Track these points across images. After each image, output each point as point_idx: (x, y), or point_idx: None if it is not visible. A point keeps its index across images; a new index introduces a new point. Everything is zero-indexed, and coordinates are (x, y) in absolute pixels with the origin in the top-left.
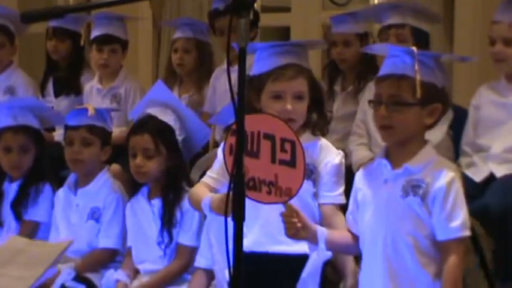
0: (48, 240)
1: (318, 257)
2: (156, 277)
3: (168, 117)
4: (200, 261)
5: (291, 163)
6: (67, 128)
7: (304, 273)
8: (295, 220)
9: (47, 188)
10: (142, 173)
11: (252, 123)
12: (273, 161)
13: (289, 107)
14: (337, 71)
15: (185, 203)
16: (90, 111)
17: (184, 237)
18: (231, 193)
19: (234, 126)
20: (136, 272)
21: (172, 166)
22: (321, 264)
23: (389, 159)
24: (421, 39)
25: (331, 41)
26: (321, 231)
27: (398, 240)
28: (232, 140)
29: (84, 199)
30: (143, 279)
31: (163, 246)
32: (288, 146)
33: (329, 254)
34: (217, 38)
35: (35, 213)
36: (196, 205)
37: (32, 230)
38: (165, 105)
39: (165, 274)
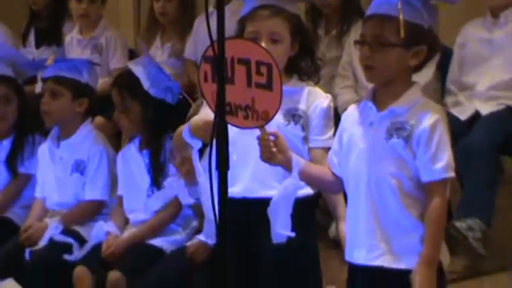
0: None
1: (289, 184)
2: (145, 228)
3: (139, 69)
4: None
5: (267, 86)
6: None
7: (275, 197)
8: (271, 144)
9: (42, 140)
10: (121, 126)
11: (226, 49)
12: (249, 84)
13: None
14: (320, 14)
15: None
16: (48, 61)
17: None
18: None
19: (207, 53)
20: (126, 223)
21: (149, 117)
22: (296, 192)
23: (375, 101)
24: None
25: None
26: (297, 160)
27: (381, 182)
28: (206, 67)
29: (68, 151)
30: (132, 230)
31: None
32: (264, 69)
33: (303, 184)
34: None
35: (31, 165)
36: (177, 140)
37: (24, 183)
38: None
39: (154, 224)
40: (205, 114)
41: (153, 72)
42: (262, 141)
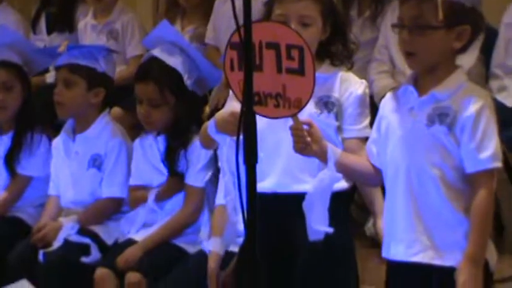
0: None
1: (325, 176)
2: (160, 230)
3: (175, 60)
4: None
5: (299, 71)
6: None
7: (311, 190)
8: (305, 134)
9: (44, 139)
10: (148, 122)
11: (253, 33)
12: (279, 70)
13: None
14: None
15: (193, 145)
16: (61, 48)
17: (192, 178)
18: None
19: (233, 38)
20: None
21: (182, 114)
22: (332, 184)
23: (417, 85)
24: None
25: None
26: (333, 150)
27: (422, 172)
28: (232, 54)
29: (84, 146)
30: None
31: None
32: (295, 53)
33: (339, 176)
34: None
35: (29, 166)
36: (203, 136)
37: (23, 185)
38: (172, 44)
39: (175, 223)
40: (232, 106)
41: (188, 62)
42: (295, 130)
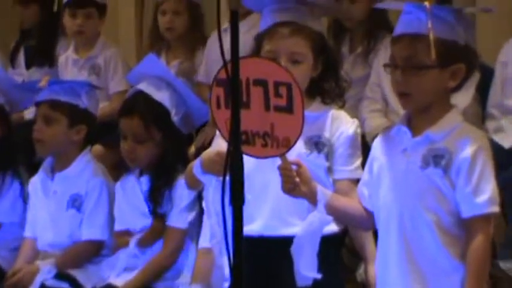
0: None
1: (315, 219)
2: (139, 275)
3: (161, 95)
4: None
5: (288, 109)
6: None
7: (299, 234)
8: (293, 174)
9: (15, 183)
10: (132, 159)
11: (240, 69)
12: (267, 108)
13: None
14: (344, 30)
15: (177, 184)
16: (42, 83)
17: (173, 218)
18: (226, 151)
19: (219, 75)
20: None
21: (168, 151)
22: (322, 227)
23: (410, 126)
24: None
25: None
26: (323, 191)
27: (417, 216)
28: (218, 91)
29: (63, 185)
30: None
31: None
32: (283, 90)
33: (330, 218)
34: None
35: None
36: (189, 176)
37: None
38: (159, 79)
39: (154, 265)
40: (219, 145)
41: (175, 97)
42: (284, 171)
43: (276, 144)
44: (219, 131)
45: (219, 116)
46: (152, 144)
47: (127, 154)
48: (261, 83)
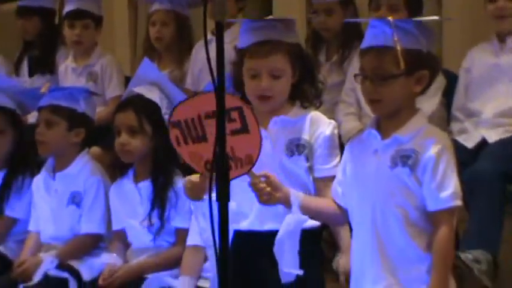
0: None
1: (291, 221)
2: (156, 258)
3: (153, 95)
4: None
5: (243, 130)
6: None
7: (279, 235)
8: (263, 185)
9: (31, 181)
10: (126, 151)
11: (187, 110)
12: None
13: (263, 84)
14: (321, 40)
15: (179, 185)
16: (43, 89)
17: (181, 220)
18: (208, 175)
19: (171, 118)
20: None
21: (159, 146)
22: (299, 227)
23: (380, 129)
24: (415, 7)
25: (313, 10)
26: (295, 194)
27: (387, 212)
28: (175, 132)
29: (63, 183)
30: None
31: (153, 230)
32: (235, 115)
33: (305, 218)
34: (196, 10)
35: (16, 208)
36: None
37: (8, 227)
38: (152, 83)
39: (166, 257)
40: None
41: (165, 99)
42: (255, 185)
43: (239, 164)
44: (187, 163)
45: (182, 151)
46: (144, 138)
47: (121, 147)
48: (211, 115)
